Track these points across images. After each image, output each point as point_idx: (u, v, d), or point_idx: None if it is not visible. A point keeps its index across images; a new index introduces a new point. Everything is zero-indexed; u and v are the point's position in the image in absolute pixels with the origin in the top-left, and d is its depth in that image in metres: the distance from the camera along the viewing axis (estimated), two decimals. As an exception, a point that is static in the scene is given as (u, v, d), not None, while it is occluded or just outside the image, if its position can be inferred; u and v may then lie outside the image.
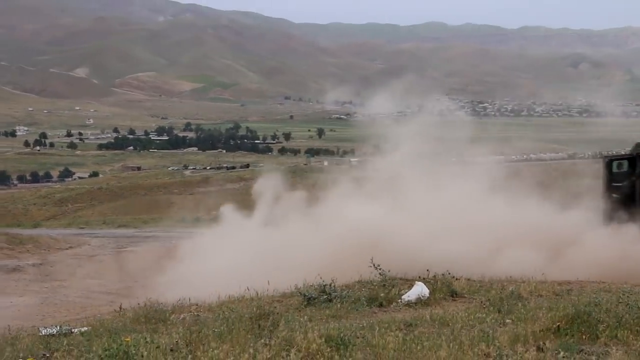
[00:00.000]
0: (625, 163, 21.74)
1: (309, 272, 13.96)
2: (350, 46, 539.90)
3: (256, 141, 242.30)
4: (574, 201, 21.52)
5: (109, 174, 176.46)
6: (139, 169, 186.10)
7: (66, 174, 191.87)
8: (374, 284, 14.15)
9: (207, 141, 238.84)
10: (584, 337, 8.66)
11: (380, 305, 12.40)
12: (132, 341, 8.29)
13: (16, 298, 24.17)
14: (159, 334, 9.82)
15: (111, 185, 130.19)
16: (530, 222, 19.82)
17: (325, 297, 12.60)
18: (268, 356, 7.80)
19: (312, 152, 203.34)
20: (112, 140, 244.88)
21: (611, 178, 21.77)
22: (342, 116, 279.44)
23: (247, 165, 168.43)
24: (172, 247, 30.93)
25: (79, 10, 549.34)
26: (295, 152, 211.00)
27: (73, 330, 11.22)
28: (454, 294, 13.26)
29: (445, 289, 13.30)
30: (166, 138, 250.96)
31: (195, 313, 12.79)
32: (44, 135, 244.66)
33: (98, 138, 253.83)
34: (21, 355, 8.86)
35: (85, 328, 11.53)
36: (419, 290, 12.78)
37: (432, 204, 21.05)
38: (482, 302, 12.07)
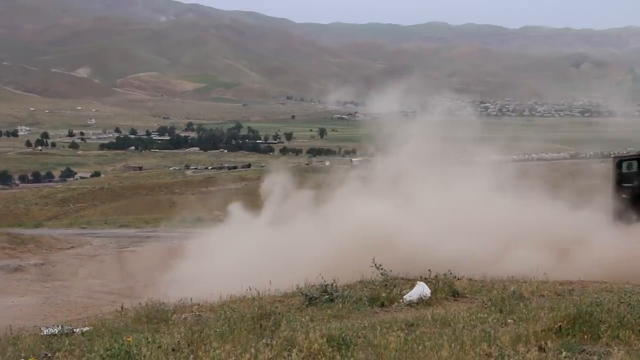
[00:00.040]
0: (635, 163, 21.76)
1: (316, 271, 13.94)
2: (352, 46, 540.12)
3: (258, 141, 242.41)
4: (582, 201, 21.52)
5: (111, 174, 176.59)
6: (140, 169, 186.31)
7: (68, 173, 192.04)
8: (376, 283, 14.14)
9: (209, 141, 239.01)
10: (585, 337, 8.64)
11: (382, 305, 12.38)
12: (133, 341, 8.29)
13: (18, 298, 24.17)
14: (161, 333, 9.82)
15: (113, 185, 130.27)
16: (538, 221, 19.81)
17: (326, 297, 12.60)
18: (270, 356, 7.79)
19: (314, 152, 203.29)
20: (114, 140, 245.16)
21: (621, 178, 21.80)
22: (343, 116, 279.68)
23: (249, 165, 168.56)
24: (173, 247, 30.94)
25: (81, 10, 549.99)
26: (297, 152, 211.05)
27: (75, 330, 11.22)
28: (455, 294, 13.23)
29: (446, 289, 13.28)
30: (168, 138, 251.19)
31: (197, 313, 12.78)
32: (45, 135, 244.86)
33: (100, 138, 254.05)
34: (23, 355, 8.86)
35: (87, 328, 11.53)
36: (421, 290, 12.76)
37: (438, 203, 21.04)
38: (483, 302, 12.05)
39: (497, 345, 8.23)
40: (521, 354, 7.81)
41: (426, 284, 13.19)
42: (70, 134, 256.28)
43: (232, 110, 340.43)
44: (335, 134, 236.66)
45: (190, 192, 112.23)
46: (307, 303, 12.56)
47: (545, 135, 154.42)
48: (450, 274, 14.26)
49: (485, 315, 10.53)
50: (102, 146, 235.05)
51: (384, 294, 12.80)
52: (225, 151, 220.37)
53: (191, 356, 7.89)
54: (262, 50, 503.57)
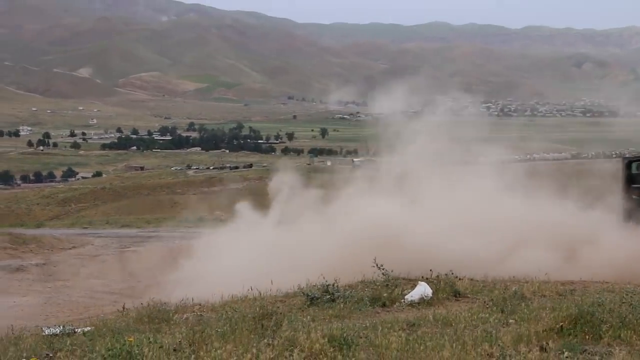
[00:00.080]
0: None
1: (322, 271, 13.95)
2: (353, 46, 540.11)
3: (259, 141, 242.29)
4: (591, 201, 21.55)
5: (112, 174, 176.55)
6: (142, 168, 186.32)
7: (69, 173, 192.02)
8: (377, 283, 14.14)
9: (211, 141, 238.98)
10: (587, 337, 8.64)
11: (383, 305, 12.38)
12: (135, 341, 8.30)
13: (19, 298, 24.21)
14: (162, 333, 9.83)
15: (114, 185, 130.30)
16: (546, 221, 19.82)
17: (328, 297, 12.60)
18: (271, 356, 7.79)
19: (315, 152, 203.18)
20: (116, 140, 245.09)
21: (631, 179, 21.86)
22: (345, 116, 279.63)
23: (251, 165, 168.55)
24: (175, 247, 30.97)
25: (83, 10, 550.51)
26: (299, 152, 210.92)
27: (76, 330, 11.23)
28: (457, 294, 13.23)
29: (448, 289, 13.27)
30: (169, 138, 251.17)
31: (199, 313, 12.78)
32: (47, 135, 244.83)
33: (101, 138, 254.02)
34: (24, 355, 8.87)
35: (89, 328, 11.54)
36: (422, 290, 12.76)
37: (444, 203, 21.06)
38: (485, 302, 12.05)
39: (499, 345, 8.23)
40: (523, 354, 7.81)
41: (428, 284, 13.19)
42: (72, 134, 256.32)
43: (234, 110, 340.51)
44: (337, 134, 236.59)
45: (191, 192, 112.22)
46: (308, 303, 12.57)
47: (547, 135, 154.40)
48: (452, 274, 14.23)
49: (487, 315, 10.52)
50: (104, 146, 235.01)
51: (385, 294, 12.80)
52: (227, 151, 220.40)
53: (193, 356, 7.89)
54: (264, 50, 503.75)
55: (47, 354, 8.92)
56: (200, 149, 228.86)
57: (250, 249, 22.19)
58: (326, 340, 8.24)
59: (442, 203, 21.07)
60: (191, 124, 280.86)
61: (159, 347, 8.11)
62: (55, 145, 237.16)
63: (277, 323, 9.70)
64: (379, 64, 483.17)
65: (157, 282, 23.79)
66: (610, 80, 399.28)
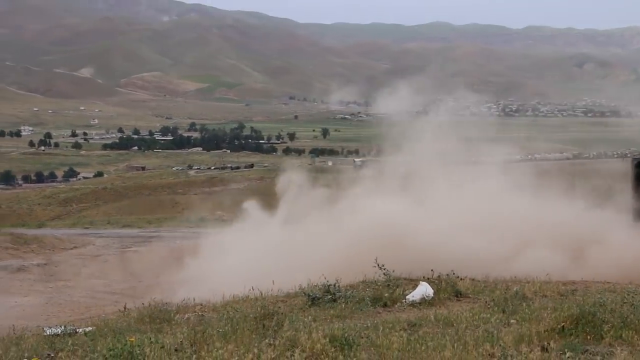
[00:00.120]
0: None
1: (326, 270, 13.96)
2: (355, 46, 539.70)
3: (261, 141, 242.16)
4: (599, 201, 21.58)
5: (114, 174, 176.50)
6: (143, 169, 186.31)
7: (71, 174, 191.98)
8: (379, 284, 14.13)
9: (212, 141, 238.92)
10: (588, 337, 8.64)
11: (385, 305, 12.38)
12: (136, 341, 8.30)
13: (21, 298, 24.23)
14: (164, 334, 9.83)
15: (116, 185, 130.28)
16: (552, 221, 19.83)
17: (329, 297, 12.60)
18: (272, 356, 7.79)
19: (317, 152, 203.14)
20: (117, 140, 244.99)
21: None
22: (346, 116, 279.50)
23: (252, 165, 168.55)
24: (176, 247, 30.99)
25: (84, 10, 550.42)
26: (300, 152, 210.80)
27: (77, 330, 11.24)
28: (458, 294, 13.23)
29: (449, 289, 13.27)
30: (171, 138, 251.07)
31: (200, 313, 12.79)
32: (48, 135, 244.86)
33: (103, 138, 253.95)
34: (26, 355, 8.88)
35: (90, 328, 11.55)
36: (423, 290, 12.76)
37: (449, 203, 21.08)
38: (486, 302, 12.05)
39: (500, 345, 8.23)
40: (524, 354, 7.81)
41: (429, 284, 13.19)
42: (73, 134, 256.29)
43: (235, 110, 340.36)
44: (338, 134, 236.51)
45: (193, 192, 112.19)
46: (309, 303, 12.56)
47: (548, 135, 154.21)
48: (453, 274, 14.22)
49: (488, 315, 10.52)
50: (105, 146, 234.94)
51: (386, 294, 12.79)
52: (228, 151, 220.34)
53: (194, 356, 7.90)
54: (265, 50, 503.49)
55: (49, 354, 8.93)
56: (201, 149, 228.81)
57: (257, 249, 22.21)
58: (327, 340, 8.24)
59: (447, 203, 21.10)
60: (192, 124, 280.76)
61: (161, 347, 8.12)
62: (56, 145, 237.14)
63: (278, 323, 9.70)
64: (381, 64, 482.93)
65: (159, 282, 23.82)
66: (611, 81, 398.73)
